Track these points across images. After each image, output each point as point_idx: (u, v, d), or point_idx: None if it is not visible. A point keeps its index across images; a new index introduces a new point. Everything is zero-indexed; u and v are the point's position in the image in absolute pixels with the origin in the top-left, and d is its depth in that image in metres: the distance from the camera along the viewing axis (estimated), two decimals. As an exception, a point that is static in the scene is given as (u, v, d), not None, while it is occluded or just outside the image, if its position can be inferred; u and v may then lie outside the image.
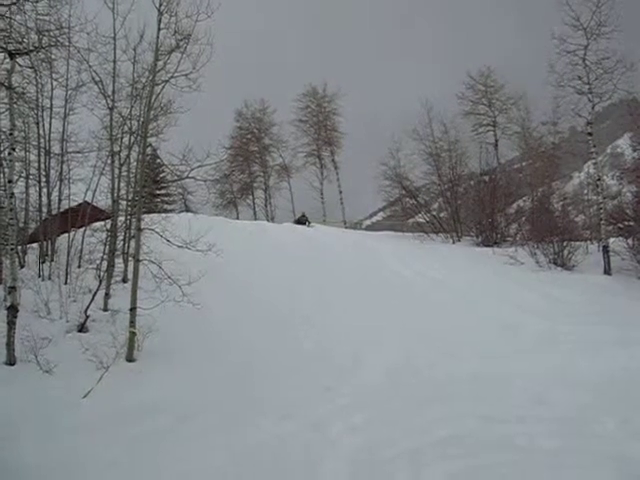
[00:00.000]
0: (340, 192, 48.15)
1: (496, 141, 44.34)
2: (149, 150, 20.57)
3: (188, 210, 37.57)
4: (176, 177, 16.24)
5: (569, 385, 10.91)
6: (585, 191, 40.72)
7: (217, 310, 16.39)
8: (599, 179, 29.36)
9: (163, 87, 15.43)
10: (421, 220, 38.22)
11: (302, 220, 38.03)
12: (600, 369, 11.75)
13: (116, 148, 18.29)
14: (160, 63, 15.08)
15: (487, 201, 33.71)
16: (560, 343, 14.63)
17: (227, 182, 51.01)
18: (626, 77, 27.62)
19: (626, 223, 27.48)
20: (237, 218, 45.74)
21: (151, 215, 18.09)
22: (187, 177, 15.21)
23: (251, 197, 52.62)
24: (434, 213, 39.04)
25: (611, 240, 27.12)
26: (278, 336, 15.66)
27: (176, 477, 7.80)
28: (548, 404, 10.02)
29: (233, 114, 52.90)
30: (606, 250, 26.06)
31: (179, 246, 14.47)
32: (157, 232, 14.63)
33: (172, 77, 15.01)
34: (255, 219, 46.64)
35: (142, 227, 14.78)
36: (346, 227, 43.17)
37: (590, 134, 28.74)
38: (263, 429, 9.56)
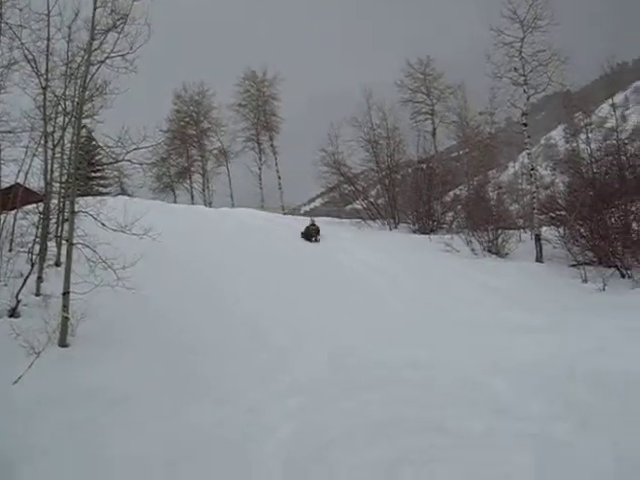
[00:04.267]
0: (279, 178, 48.02)
1: (434, 129, 44.83)
2: (84, 131, 20.14)
3: (124, 193, 37.06)
4: (111, 160, 15.90)
5: (499, 369, 11.19)
6: (520, 180, 41.83)
7: (154, 294, 16.20)
8: (533, 169, 30.27)
9: (99, 67, 15.06)
10: (359, 207, 38.52)
11: (311, 232, 29.70)
12: (530, 354, 12.07)
13: (49, 129, 17.77)
14: (96, 43, 14.69)
15: (424, 189, 34.21)
16: (493, 329, 14.98)
17: (164, 166, 50.60)
18: (560, 70, 28.74)
19: (558, 212, 28.35)
20: (174, 202, 45.36)
21: (86, 198, 17.67)
22: (123, 160, 14.88)
23: (189, 181, 52.20)
24: (372, 200, 39.39)
25: (543, 229, 28.02)
26: (215, 320, 15.62)
27: (110, 462, 7.73)
28: (478, 388, 10.29)
29: (171, 97, 52.39)
30: (538, 238, 26.88)
31: (114, 230, 14.19)
32: (92, 215, 14.32)
33: (108, 57, 14.66)
34: (193, 203, 46.35)
35: (76, 210, 14.45)
36: (284, 213, 43.07)
37: (525, 125, 29.53)
38: (200, 414, 9.56)
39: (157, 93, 56.87)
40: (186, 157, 51.81)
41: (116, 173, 37.63)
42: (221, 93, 52.04)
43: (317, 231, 29.92)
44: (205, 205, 45.29)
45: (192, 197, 51.22)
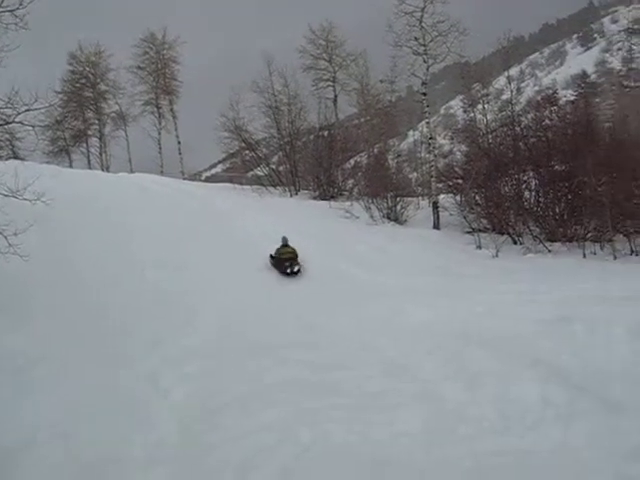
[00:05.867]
0: (179, 143, 47.22)
1: (335, 97, 44.83)
2: (-29, 91, 19.17)
3: (16, 157, 35.60)
4: (1, 121, 15.28)
5: (394, 333, 11.52)
6: (419, 149, 42.60)
7: (49, 260, 15.73)
8: (432, 138, 30.93)
9: (-14, 23, 14.39)
10: (260, 173, 38.45)
11: (284, 255, 18.88)
12: (424, 318, 12.43)
13: None
14: (-17, -3, 14.03)
15: (325, 156, 34.43)
16: (389, 294, 15.31)
17: (59, 129, 48.75)
18: (459, 41, 29.54)
19: (455, 181, 29.20)
20: (70, 167, 44.00)
21: (-26, 161, 17.00)
22: (13, 122, 14.35)
23: (85, 145, 50.63)
24: (273, 166, 39.41)
25: (441, 197, 28.81)
26: (118, 286, 15.31)
27: (10, 431, 7.60)
28: (374, 351, 10.59)
29: (66, 57, 50.40)
30: (436, 206, 27.59)
31: (5, 195, 13.67)
32: (-20, 180, 13.76)
33: (-4, 12, 14.04)
34: (89, 168, 45.09)
35: (-37, 174, 13.84)
36: (184, 179, 42.39)
37: (424, 94, 30.13)
38: (94, 379, 9.47)
39: (50, 52, 54.72)
40: (82, 120, 50.17)
41: (7, 136, 36.13)
42: (119, 54, 50.46)
43: (294, 256, 18.95)
44: (102, 170, 44.12)
45: (89, 162, 49.80)
